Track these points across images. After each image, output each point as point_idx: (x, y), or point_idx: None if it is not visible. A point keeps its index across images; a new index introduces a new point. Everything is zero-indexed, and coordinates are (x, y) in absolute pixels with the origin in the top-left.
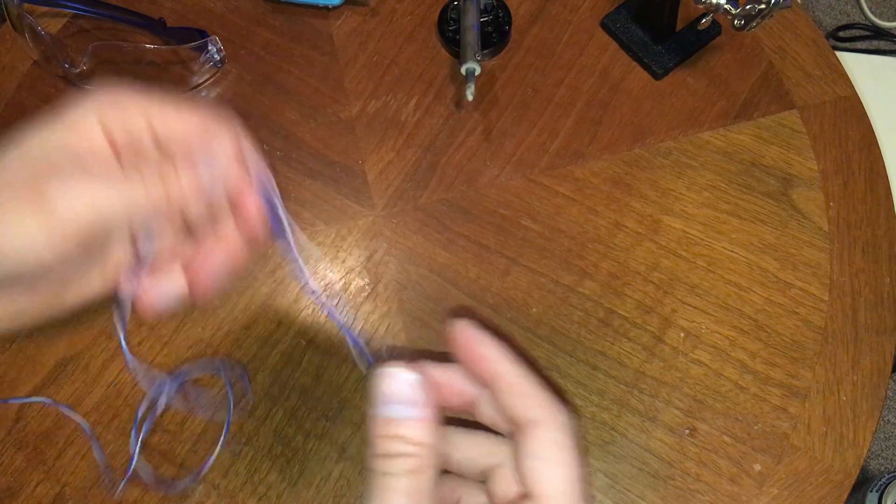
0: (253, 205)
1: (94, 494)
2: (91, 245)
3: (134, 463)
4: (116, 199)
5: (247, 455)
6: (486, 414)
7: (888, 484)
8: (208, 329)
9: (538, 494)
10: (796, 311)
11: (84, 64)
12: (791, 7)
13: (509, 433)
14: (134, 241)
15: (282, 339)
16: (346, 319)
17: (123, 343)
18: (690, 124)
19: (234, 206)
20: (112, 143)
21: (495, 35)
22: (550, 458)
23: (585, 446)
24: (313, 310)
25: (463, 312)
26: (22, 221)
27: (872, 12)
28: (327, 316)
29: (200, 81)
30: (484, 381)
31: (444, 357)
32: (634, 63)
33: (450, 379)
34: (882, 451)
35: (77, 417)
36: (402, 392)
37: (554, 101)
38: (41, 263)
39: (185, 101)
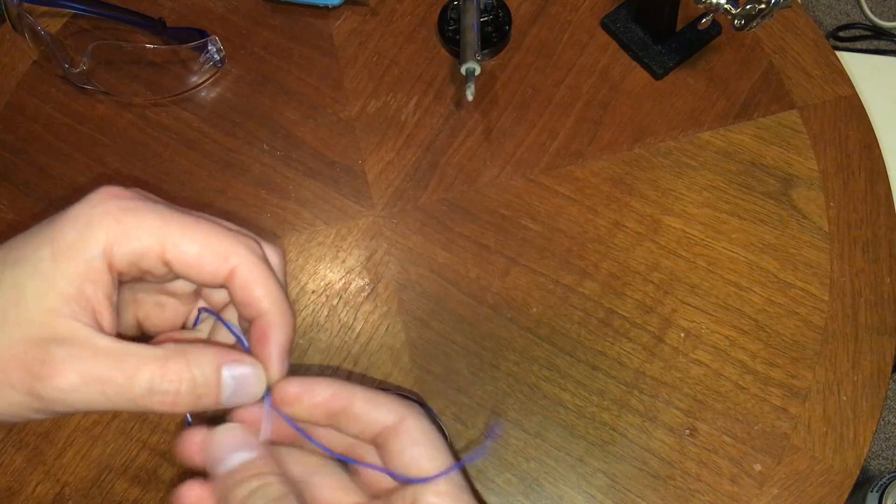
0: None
1: (93, 494)
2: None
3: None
4: (110, 390)
5: None
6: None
7: (888, 484)
8: None
9: (427, 475)
10: (796, 311)
11: (84, 64)
12: (791, 7)
13: (372, 443)
14: None
15: None
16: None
17: None
18: (690, 124)
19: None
20: (120, 273)
21: (495, 35)
22: (423, 441)
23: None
24: (313, 310)
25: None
26: (9, 399)
27: (872, 12)
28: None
29: (200, 81)
30: (335, 417)
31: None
32: (634, 63)
33: (332, 390)
34: (882, 451)
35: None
36: (233, 441)
37: (554, 101)
38: (24, 419)
39: (207, 226)
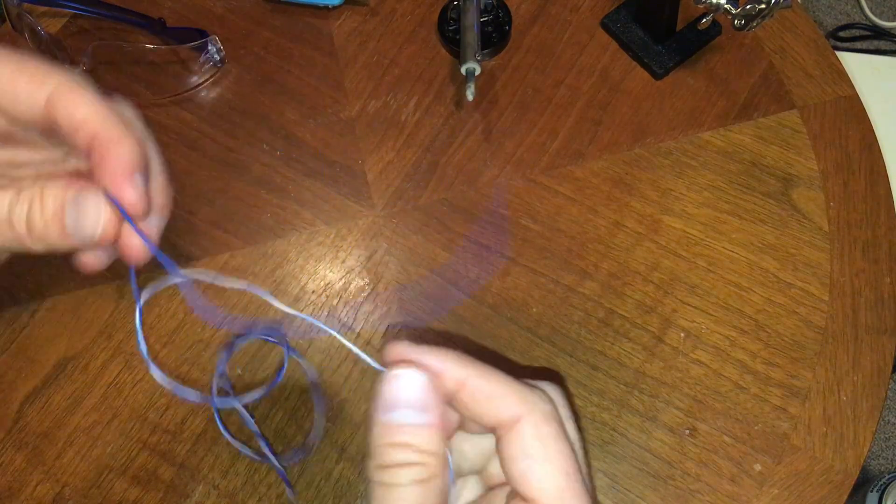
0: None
1: (93, 494)
2: None
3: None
4: None
5: (247, 455)
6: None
7: (888, 484)
8: (208, 329)
9: (532, 497)
10: (796, 311)
11: (84, 64)
12: (791, 7)
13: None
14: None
15: (281, 339)
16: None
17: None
18: (690, 124)
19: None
20: None
21: (495, 35)
22: (536, 455)
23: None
24: (313, 310)
25: (395, 335)
26: None
27: (872, 12)
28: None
29: (200, 81)
30: (446, 396)
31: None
32: (634, 63)
33: (444, 365)
34: (882, 451)
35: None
36: (409, 396)
37: (554, 101)
38: None
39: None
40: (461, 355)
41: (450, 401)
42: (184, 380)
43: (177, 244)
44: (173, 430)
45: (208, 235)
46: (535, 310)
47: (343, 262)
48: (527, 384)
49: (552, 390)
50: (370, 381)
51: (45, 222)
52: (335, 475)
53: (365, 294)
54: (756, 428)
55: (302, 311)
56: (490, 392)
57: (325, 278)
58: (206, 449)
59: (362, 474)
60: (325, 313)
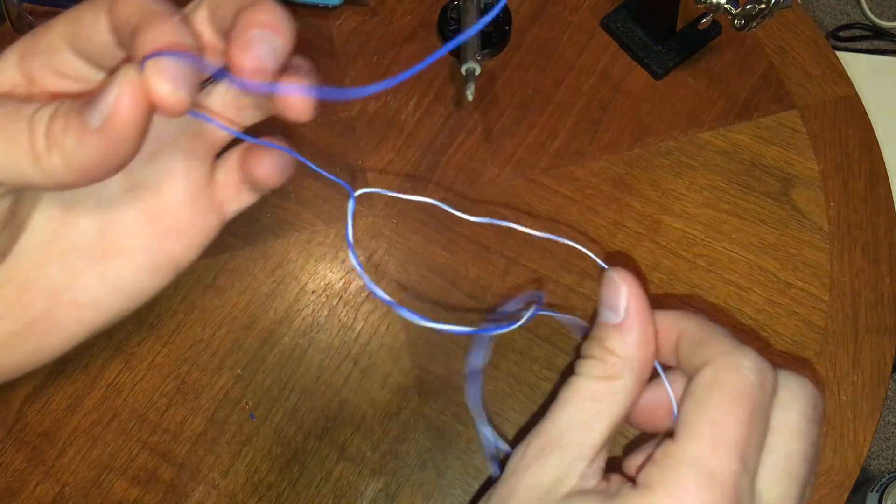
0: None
1: (93, 494)
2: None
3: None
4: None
5: (247, 455)
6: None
7: (888, 484)
8: (208, 329)
9: (677, 433)
10: (796, 311)
11: None
12: (791, 7)
13: None
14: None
15: (281, 339)
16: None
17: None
18: (690, 124)
19: None
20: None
21: (495, 35)
22: (695, 396)
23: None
24: (313, 310)
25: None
26: None
27: (872, 12)
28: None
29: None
30: (669, 351)
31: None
32: (634, 63)
33: (663, 319)
34: (882, 451)
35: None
36: (607, 296)
37: (554, 101)
38: None
39: None
40: (687, 313)
41: (673, 356)
42: (184, 380)
43: None
44: (173, 430)
45: None
46: None
47: (343, 262)
48: (740, 343)
49: (782, 377)
50: (370, 381)
51: (65, 118)
52: (335, 475)
53: (365, 294)
54: None
55: (301, 310)
56: (698, 338)
57: (325, 278)
58: (206, 449)
59: (362, 474)
60: (326, 313)
